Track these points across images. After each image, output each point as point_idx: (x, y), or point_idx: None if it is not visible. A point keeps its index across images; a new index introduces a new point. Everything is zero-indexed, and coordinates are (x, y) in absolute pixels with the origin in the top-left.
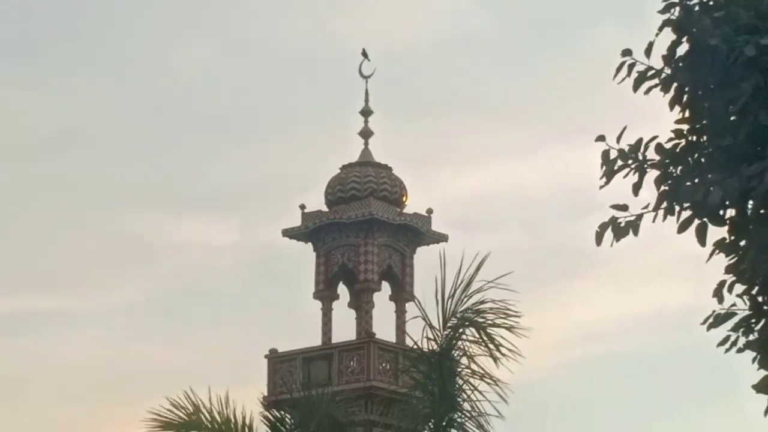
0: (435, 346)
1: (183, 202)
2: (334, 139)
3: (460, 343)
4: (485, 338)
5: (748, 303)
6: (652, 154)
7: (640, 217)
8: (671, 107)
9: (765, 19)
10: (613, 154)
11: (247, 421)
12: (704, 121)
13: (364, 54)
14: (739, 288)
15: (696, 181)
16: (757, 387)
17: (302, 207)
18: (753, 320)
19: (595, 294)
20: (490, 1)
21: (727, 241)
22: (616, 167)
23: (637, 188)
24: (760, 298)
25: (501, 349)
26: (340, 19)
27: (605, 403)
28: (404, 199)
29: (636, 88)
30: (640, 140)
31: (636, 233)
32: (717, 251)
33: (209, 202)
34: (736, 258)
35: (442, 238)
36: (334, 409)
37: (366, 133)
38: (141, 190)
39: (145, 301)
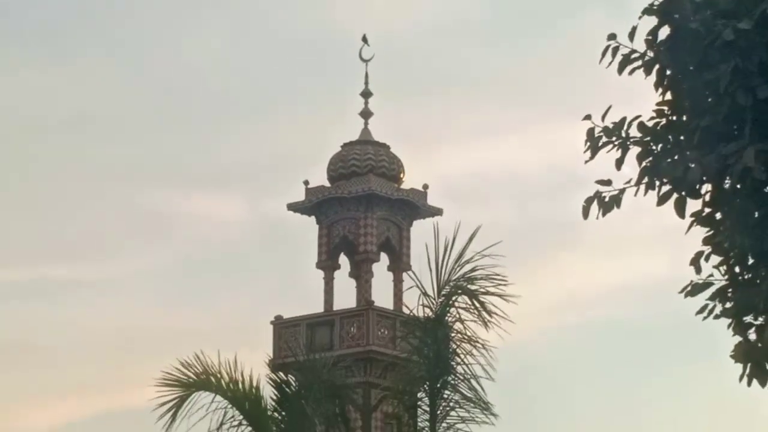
0: (430, 313)
1: (195, 177)
2: (336, 119)
3: (453, 309)
4: (477, 305)
5: (724, 273)
6: (634, 132)
7: (622, 191)
8: (656, 89)
9: (743, 4)
10: (598, 132)
11: (254, 383)
12: (685, 102)
13: (365, 39)
14: (716, 259)
15: (676, 158)
16: (735, 356)
17: (306, 182)
18: (729, 290)
19: (580, 264)
20: None
21: (704, 214)
22: (600, 144)
23: (619, 163)
24: (736, 269)
25: (492, 315)
26: (342, 5)
27: (590, 365)
28: (401, 175)
29: (621, 70)
30: (623, 119)
31: (619, 206)
32: (695, 223)
33: (219, 178)
34: (712, 231)
35: (437, 212)
36: (335, 372)
37: (366, 114)
38: (156, 166)
39: (161, 270)
